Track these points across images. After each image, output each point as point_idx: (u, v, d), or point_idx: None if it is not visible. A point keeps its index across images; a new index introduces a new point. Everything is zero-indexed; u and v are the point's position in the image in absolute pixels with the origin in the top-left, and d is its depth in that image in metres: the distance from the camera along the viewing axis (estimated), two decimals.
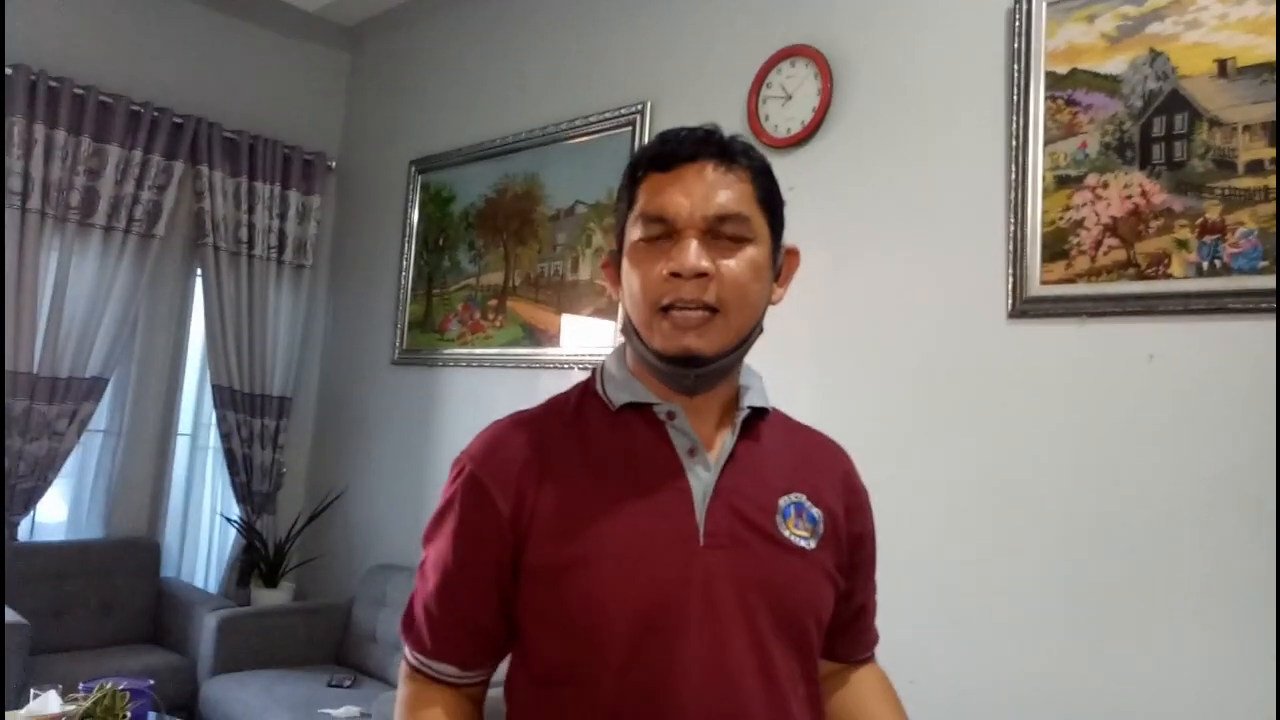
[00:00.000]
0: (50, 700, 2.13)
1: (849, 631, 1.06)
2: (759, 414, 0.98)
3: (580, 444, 0.94)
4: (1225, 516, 1.72)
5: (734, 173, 0.90)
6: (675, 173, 0.90)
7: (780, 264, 0.97)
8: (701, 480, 0.91)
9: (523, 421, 0.97)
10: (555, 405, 1.00)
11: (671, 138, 0.92)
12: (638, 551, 0.87)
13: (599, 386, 0.98)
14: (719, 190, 0.89)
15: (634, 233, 0.91)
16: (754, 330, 0.94)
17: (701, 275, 0.87)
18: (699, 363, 0.89)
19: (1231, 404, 1.73)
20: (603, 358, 1.02)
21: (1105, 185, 1.92)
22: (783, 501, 0.94)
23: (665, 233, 0.89)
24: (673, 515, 0.89)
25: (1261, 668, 1.65)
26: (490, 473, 0.91)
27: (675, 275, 0.87)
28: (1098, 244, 1.91)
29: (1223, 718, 1.68)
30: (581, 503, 0.90)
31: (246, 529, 3.72)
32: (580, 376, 1.05)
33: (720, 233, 0.88)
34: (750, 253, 0.90)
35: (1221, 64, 1.79)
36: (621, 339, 0.99)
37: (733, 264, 0.88)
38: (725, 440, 0.94)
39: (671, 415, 0.93)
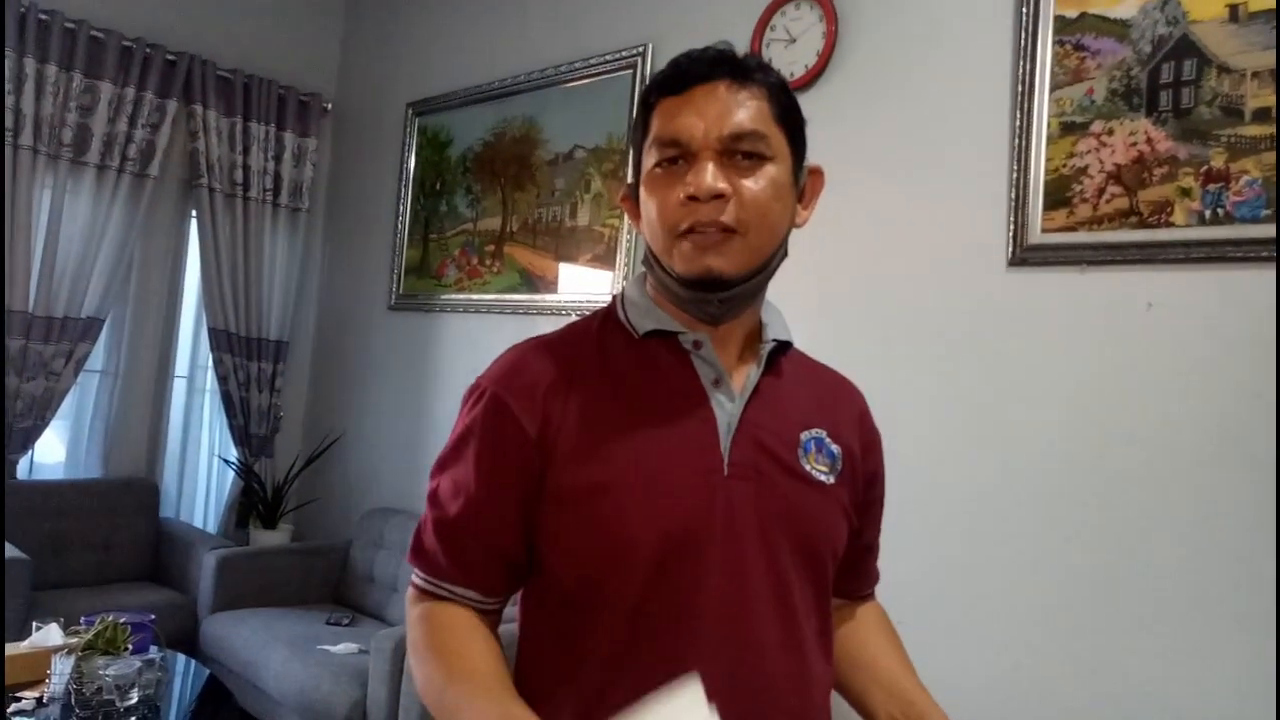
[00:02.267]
0: (52, 633, 2.16)
1: (855, 568, 1.07)
2: (781, 348, 0.98)
3: (604, 369, 0.92)
4: (1221, 463, 1.74)
5: (748, 90, 0.88)
6: (688, 95, 0.87)
7: (803, 184, 0.94)
8: (726, 411, 0.91)
9: (544, 344, 0.96)
10: (576, 330, 0.98)
11: (683, 60, 0.89)
12: (664, 478, 0.87)
13: (621, 314, 0.97)
14: (734, 109, 0.86)
15: (650, 159, 0.90)
16: (777, 253, 0.91)
17: (719, 197, 0.85)
18: (722, 285, 0.87)
19: (1230, 353, 1.74)
20: (601, 303, 1.00)
21: (1110, 132, 1.90)
22: (804, 436, 0.94)
23: (681, 156, 0.87)
24: (698, 445, 0.89)
25: (1254, 611, 1.68)
26: (514, 394, 0.90)
27: (692, 199, 0.85)
28: (1100, 192, 1.90)
29: (1219, 656, 1.72)
30: (607, 426, 0.89)
31: (245, 471, 3.74)
32: (584, 316, 1.03)
33: (737, 152, 0.86)
34: (770, 171, 0.87)
35: (1233, 9, 1.76)
36: (641, 269, 0.97)
37: (751, 183, 0.86)
38: (750, 373, 0.94)
39: (698, 345, 0.92)
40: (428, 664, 0.88)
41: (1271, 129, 1.71)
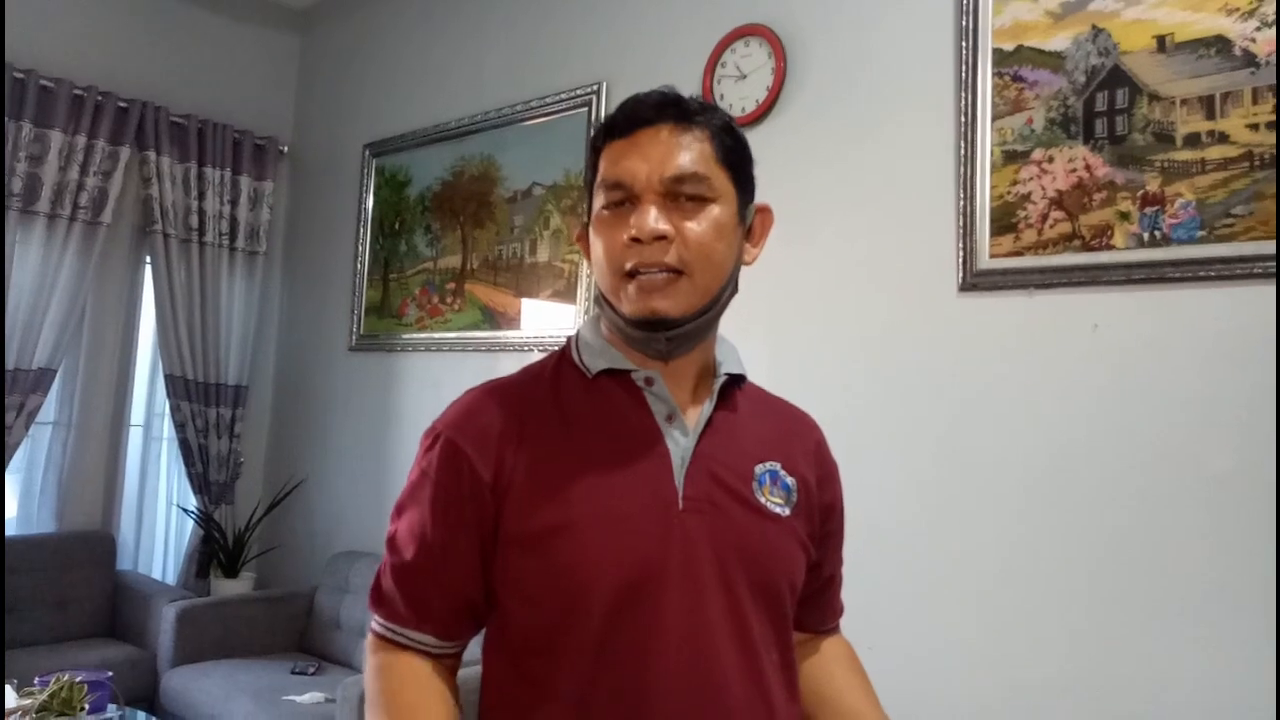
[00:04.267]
0: (5, 695, 2.09)
1: (817, 601, 1.07)
2: (735, 383, 0.99)
3: (558, 411, 0.93)
4: (1164, 476, 1.78)
5: (691, 133, 0.89)
6: (633, 138, 0.90)
7: (751, 222, 0.96)
8: (680, 446, 0.92)
9: (498, 388, 0.96)
10: (530, 373, 0.99)
11: (629, 104, 0.92)
12: (618, 517, 0.87)
13: (575, 354, 0.98)
14: (676, 152, 0.88)
15: (598, 201, 0.92)
16: (724, 290, 0.93)
17: (661, 238, 0.86)
18: (668, 325, 0.89)
19: (1172, 370, 1.79)
20: (564, 338, 1.01)
21: (1050, 159, 1.97)
22: (758, 469, 0.95)
23: (626, 199, 0.89)
24: (652, 481, 0.89)
25: (1199, 614, 1.72)
26: (469, 439, 0.90)
27: (636, 240, 0.87)
28: (1044, 217, 1.96)
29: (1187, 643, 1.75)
30: (561, 469, 0.89)
31: (204, 519, 3.67)
32: (542, 357, 1.05)
33: (680, 194, 0.88)
34: (713, 212, 0.89)
35: (1160, 39, 1.84)
36: (595, 309, 0.99)
37: (694, 225, 0.88)
38: (703, 407, 0.95)
39: (650, 381, 0.93)
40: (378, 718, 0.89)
41: (1202, 153, 1.78)
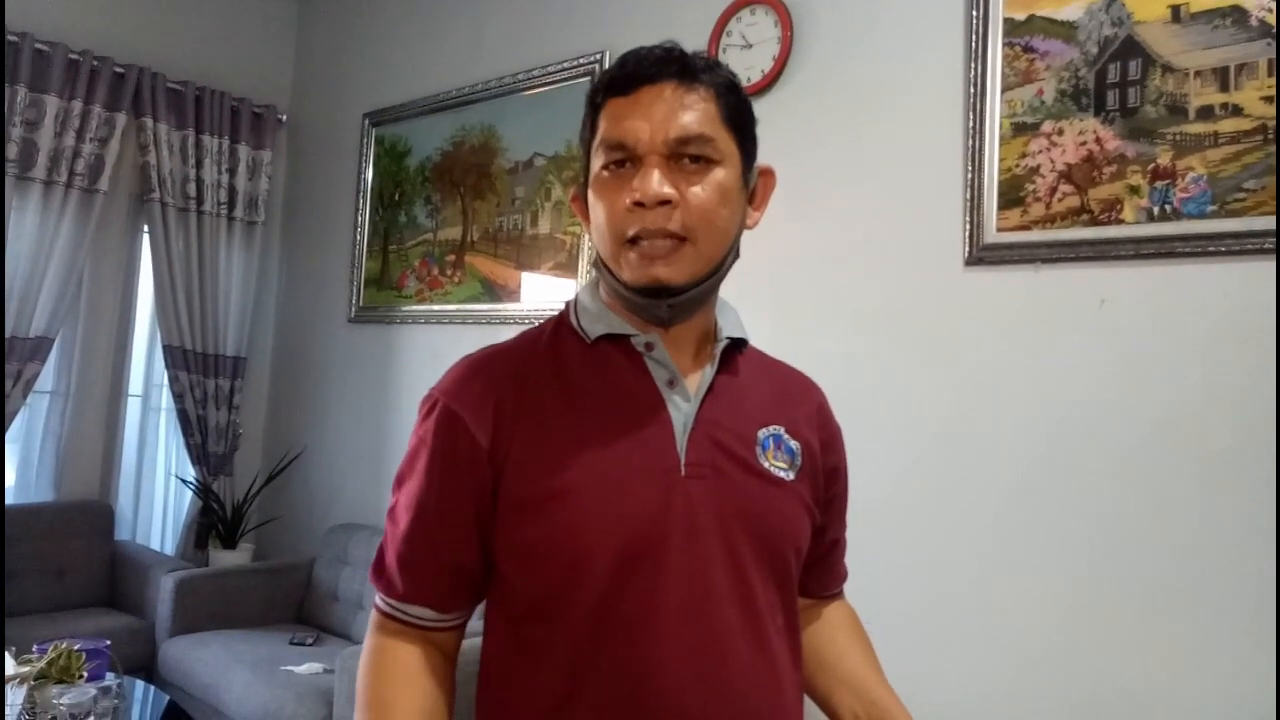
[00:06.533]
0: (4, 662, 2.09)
1: (821, 567, 1.07)
2: (736, 346, 0.97)
3: (557, 376, 0.91)
4: (1168, 452, 1.77)
5: (696, 92, 0.86)
6: (634, 96, 0.86)
7: (754, 185, 0.94)
8: (681, 411, 0.90)
9: (496, 354, 0.95)
10: (528, 338, 0.97)
11: (630, 59, 0.88)
12: (619, 482, 0.86)
13: (573, 319, 0.96)
14: (680, 112, 0.85)
15: (597, 162, 0.88)
16: (727, 256, 0.91)
17: (665, 203, 0.84)
18: (670, 293, 0.86)
19: (1180, 347, 1.77)
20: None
21: (1060, 132, 1.93)
22: (761, 433, 0.93)
23: (627, 159, 0.86)
24: (654, 446, 0.88)
25: (1198, 591, 1.71)
26: (466, 405, 0.89)
27: (639, 205, 0.84)
28: (1052, 190, 1.94)
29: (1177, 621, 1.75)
30: (561, 434, 0.88)
31: (203, 490, 3.66)
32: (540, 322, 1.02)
33: (684, 156, 0.85)
34: (718, 175, 0.86)
35: (1175, 9, 1.81)
36: (594, 274, 0.97)
37: (699, 189, 0.85)
38: (704, 372, 0.93)
39: (650, 346, 0.91)
40: (359, 713, 0.89)
41: (1215, 126, 1.75)
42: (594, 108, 0.90)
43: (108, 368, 3.58)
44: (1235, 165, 1.73)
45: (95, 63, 3.33)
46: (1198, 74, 1.77)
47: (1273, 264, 1.68)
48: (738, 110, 0.90)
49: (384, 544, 0.94)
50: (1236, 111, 1.73)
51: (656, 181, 0.84)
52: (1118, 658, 1.79)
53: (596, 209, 0.89)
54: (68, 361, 3.47)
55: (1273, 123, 1.69)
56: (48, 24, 3.28)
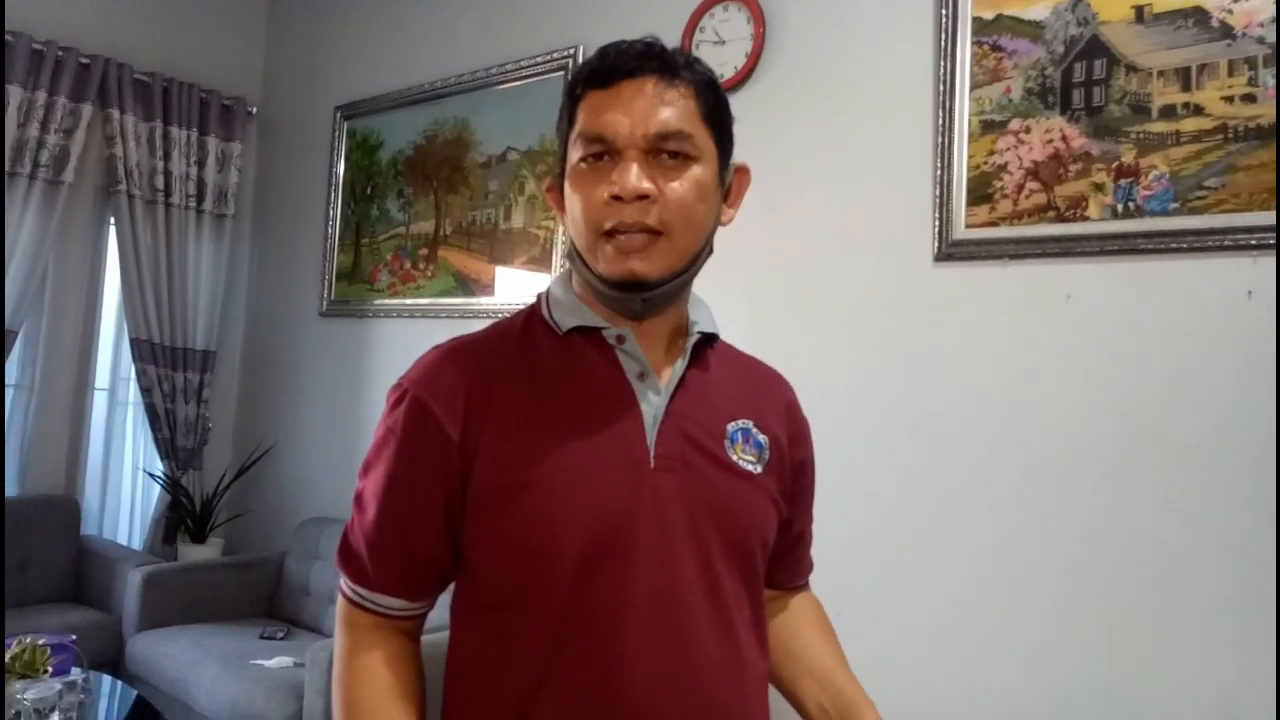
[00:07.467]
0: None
1: (787, 559, 1.08)
2: (708, 341, 0.98)
3: (527, 367, 0.92)
4: (1136, 446, 1.80)
5: (676, 88, 0.87)
6: (614, 89, 0.86)
7: (729, 183, 0.94)
8: (652, 404, 0.91)
9: (466, 345, 0.95)
10: (499, 330, 0.97)
11: (611, 51, 0.88)
12: (589, 473, 0.86)
13: (545, 311, 0.96)
14: (660, 107, 0.85)
15: (575, 154, 0.88)
16: (701, 252, 0.91)
17: (643, 198, 0.84)
18: (645, 287, 0.87)
19: (1144, 342, 1.81)
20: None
21: (1028, 130, 1.96)
22: (730, 427, 0.94)
23: (606, 152, 0.86)
24: (623, 438, 0.88)
25: (1170, 593, 1.75)
26: (435, 396, 0.89)
27: (616, 198, 0.84)
28: (1020, 188, 1.97)
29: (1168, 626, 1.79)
30: (531, 426, 0.88)
31: (171, 485, 3.62)
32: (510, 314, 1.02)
33: (663, 151, 0.85)
34: (695, 172, 0.87)
35: (1139, 10, 1.84)
36: (566, 265, 0.97)
37: (677, 185, 0.85)
38: (675, 366, 0.94)
39: (621, 339, 0.92)
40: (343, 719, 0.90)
41: (1177, 125, 1.78)
42: (573, 99, 0.90)
43: (73, 361, 3.52)
44: (1197, 164, 1.76)
45: (60, 53, 3.28)
46: (1160, 74, 1.81)
47: (1236, 260, 1.72)
48: (716, 108, 0.91)
49: (349, 528, 0.94)
50: (1198, 111, 1.76)
51: (635, 176, 0.84)
52: (1087, 648, 1.83)
53: (573, 200, 0.89)
54: (32, 355, 3.41)
55: (1234, 122, 1.72)
56: (10, 14, 3.21)
